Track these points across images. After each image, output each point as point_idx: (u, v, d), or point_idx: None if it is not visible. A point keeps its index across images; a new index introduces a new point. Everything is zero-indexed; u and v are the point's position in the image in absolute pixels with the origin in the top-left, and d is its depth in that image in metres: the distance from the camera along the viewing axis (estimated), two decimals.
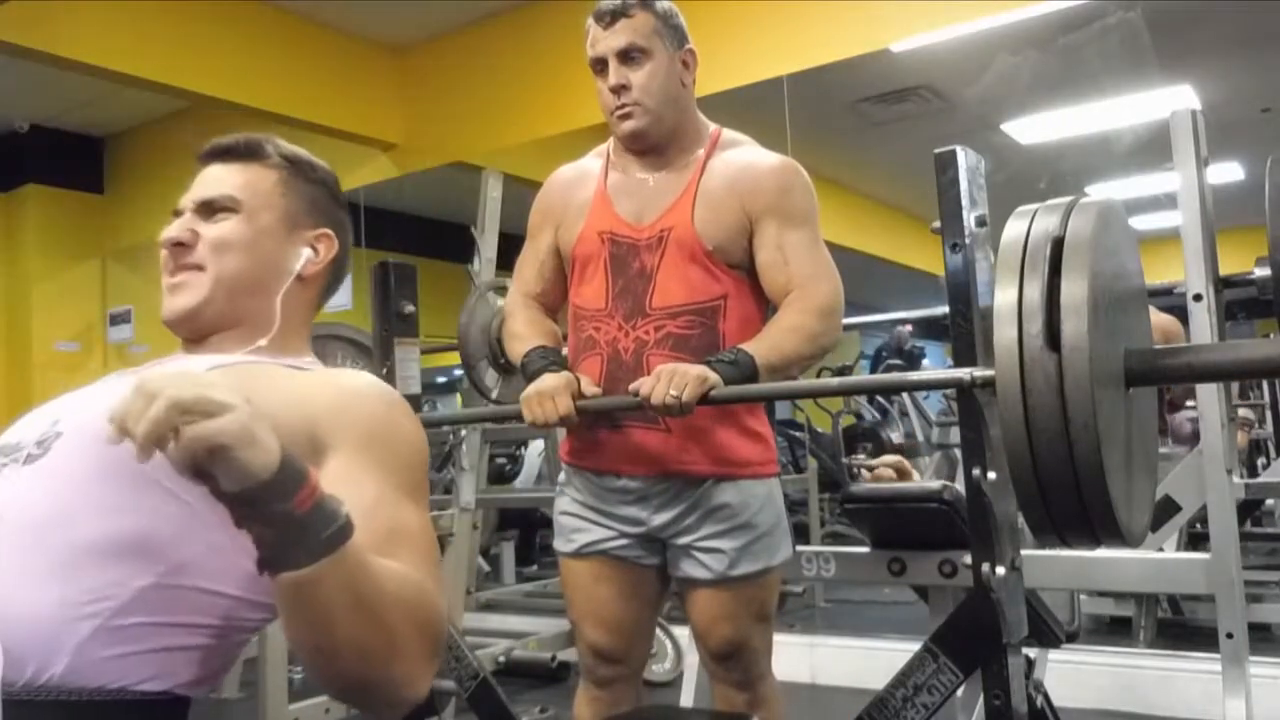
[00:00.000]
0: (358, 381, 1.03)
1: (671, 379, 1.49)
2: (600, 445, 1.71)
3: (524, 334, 1.77)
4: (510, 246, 3.76)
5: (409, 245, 5.65)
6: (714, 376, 1.51)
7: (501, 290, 3.15)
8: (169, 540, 0.89)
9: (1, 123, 5.91)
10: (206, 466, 0.67)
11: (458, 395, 7.49)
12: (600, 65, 1.69)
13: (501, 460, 6.14)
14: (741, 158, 1.73)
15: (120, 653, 0.85)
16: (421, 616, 0.82)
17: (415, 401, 2.11)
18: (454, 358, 3.18)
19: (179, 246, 1.10)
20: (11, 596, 0.84)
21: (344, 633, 0.76)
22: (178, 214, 1.13)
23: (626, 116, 1.68)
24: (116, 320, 6.17)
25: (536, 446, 6.01)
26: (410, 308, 2.12)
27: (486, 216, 3.65)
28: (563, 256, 1.80)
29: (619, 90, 1.67)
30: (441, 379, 8.28)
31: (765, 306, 1.72)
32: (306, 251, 1.15)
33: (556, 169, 1.89)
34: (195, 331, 1.12)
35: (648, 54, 1.67)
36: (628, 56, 1.67)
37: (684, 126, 1.74)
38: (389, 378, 2.07)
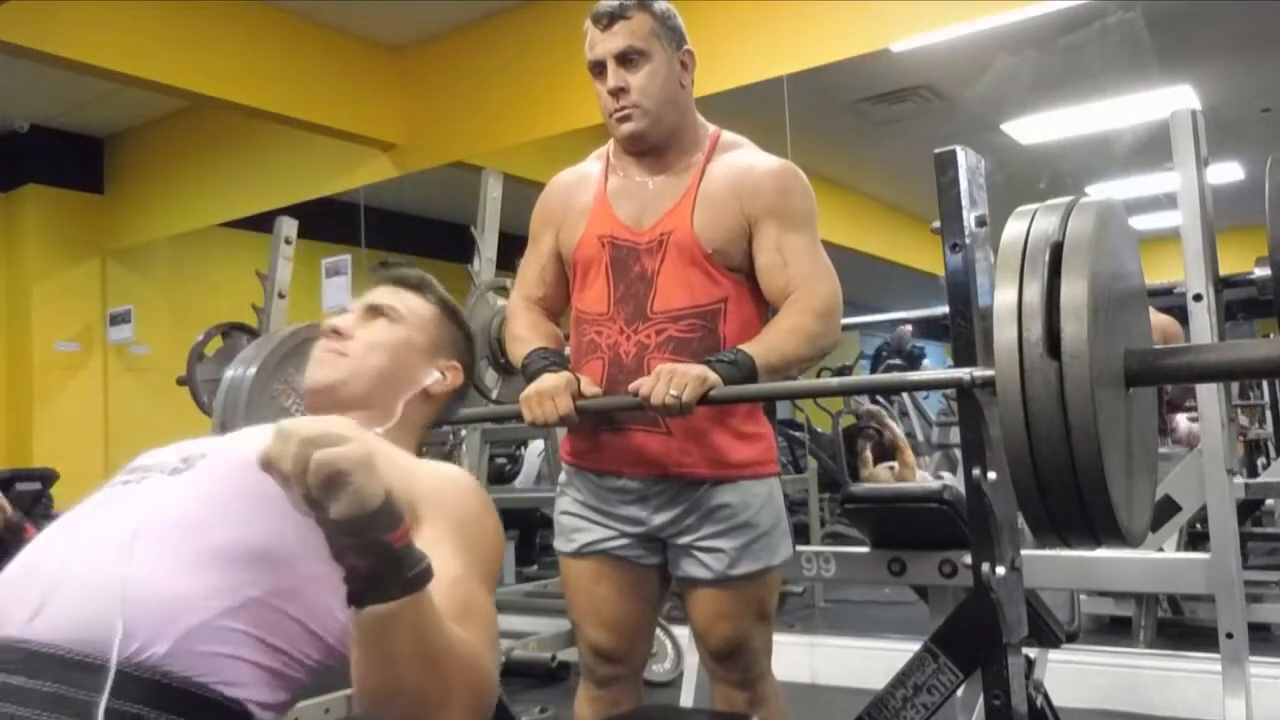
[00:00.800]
0: (457, 474, 1.18)
1: (671, 379, 1.49)
2: (601, 446, 1.71)
3: (525, 336, 1.77)
4: (510, 246, 3.76)
5: (409, 245, 5.66)
6: (713, 376, 1.51)
7: (502, 290, 3.16)
8: (283, 561, 0.99)
9: (1, 123, 5.92)
10: (328, 490, 0.77)
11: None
12: (598, 68, 1.69)
13: (501, 460, 6.14)
14: (741, 160, 1.73)
15: (215, 651, 0.93)
16: (477, 681, 0.91)
17: None
18: None
19: (336, 334, 1.29)
20: (140, 579, 0.93)
21: (407, 677, 0.85)
22: (344, 310, 1.33)
23: (625, 119, 1.68)
24: (116, 320, 6.17)
25: (536, 446, 6.00)
26: None
27: (486, 216, 3.65)
28: (564, 261, 1.80)
29: (617, 93, 1.67)
30: None
31: (765, 309, 1.72)
32: (436, 374, 1.33)
33: (557, 172, 1.89)
34: (328, 404, 1.26)
35: (646, 56, 1.66)
36: (626, 59, 1.66)
37: (683, 128, 1.73)
38: None
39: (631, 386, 1.56)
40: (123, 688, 0.88)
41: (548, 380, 1.62)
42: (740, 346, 1.58)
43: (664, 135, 1.71)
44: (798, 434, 5.87)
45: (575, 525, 1.75)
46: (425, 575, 0.83)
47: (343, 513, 0.77)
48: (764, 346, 1.58)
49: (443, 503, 1.07)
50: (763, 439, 1.73)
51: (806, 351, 1.62)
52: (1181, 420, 4.22)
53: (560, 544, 1.78)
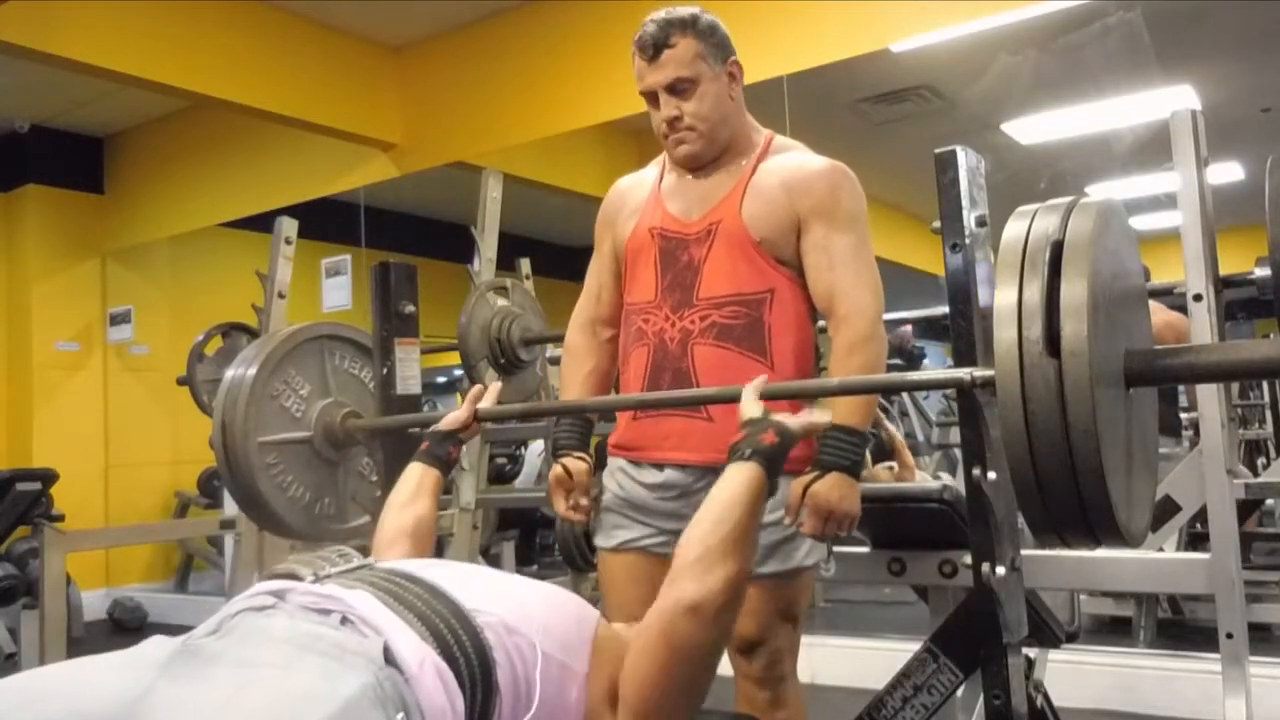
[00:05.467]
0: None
1: (828, 522, 1.58)
2: (644, 432, 1.74)
3: (568, 383, 1.88)
4: (510, 246, 3.77)
5: (409, 245, 5.65)
6: (855, 490, 1.60)
7: (502, 290, 3.16)
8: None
9: (1, 123, 5.92)
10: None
11: (457, 395, 7.49)
12: (651, 97, 1.73)
13: (501, 460, 6.14)
14: (793, 160, 1.76)
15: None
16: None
17: (415, 402, 2.11)
18: (454, 358, 3.18)
19: None
20: None
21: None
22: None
23: (681, 143, 1.72)
24: (116, 320, 6.17)
25: (536, 447, 6.00)
26: (410, 308, 2.12)
27: (486, 216, 3.65)
28: (617, 258, 1.85)
29: (672, 120, 1.71)
30: (441, 379, 8.29)
31: (812, 304, 1.74)
32: None
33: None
34: None
35: (695, 82, 1.68)
36: (675, 89, 1.69)
37: (737, 136, 1.77)
38: (389, 378, 2.07)
39: (787, 520, 1.62)
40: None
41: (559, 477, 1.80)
42: (841, 424, 1.60)
43: (719, 150, 1.75)
44: None
45: (616, 522, 1.77)
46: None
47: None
48: (853, 404, 1.61)
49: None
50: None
51: (881, 366, 1.70)
52: None
53: (601, 539, 1.81)
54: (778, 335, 1.67)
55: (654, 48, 1.67)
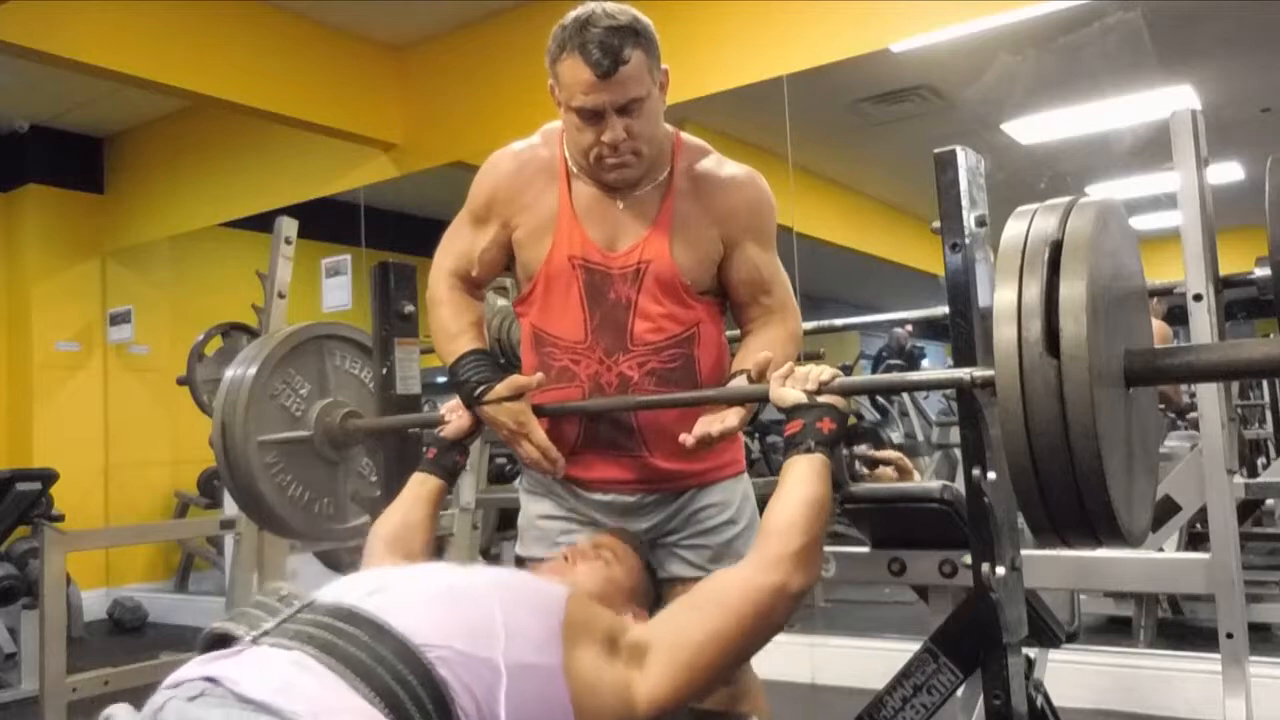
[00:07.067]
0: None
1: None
2: (585, 463, 1.70)
3: (453, 331, 1.71)
4: None
5: (409, 245, 5.64)
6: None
7: (502, 290, 3.15)
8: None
9: (1, 123, 5.92)
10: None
11: (457, 395, 7.48)
12: (591, 115, 1.55)
13: (501, 460, 6.12)
14: (710, 175, 1.67)
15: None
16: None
17: (415, 402, 2.11)
18: None
19: None
20: None
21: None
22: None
23: (621, 166, 1.58)
24: (116, 320, 6.18)
25: None
26: (410, 308, 2.12)
27: None
28: (522, 268, 1.72)
29: (618, 144, 1.55)
30: (441, 379, 8.27)
31: (724, 328, 1.75)
32: None
33: (501, 152, 1.79)
34: None
35: (643, 100, 1.54)
36: (627, 109, 1.54)
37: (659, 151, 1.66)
38: (389, 378, 2.07)
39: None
40: None
41: (504, 408, 1.63)
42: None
43: (648, 169, 1.64)
44: None
45: (564, 528, 1.72)
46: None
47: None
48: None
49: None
50: (736, 438, 1.74)
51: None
52: None
53: (541, 549, 1.73)
54: (704, 365, 1.66)
55: (611, 63, 1.49)
